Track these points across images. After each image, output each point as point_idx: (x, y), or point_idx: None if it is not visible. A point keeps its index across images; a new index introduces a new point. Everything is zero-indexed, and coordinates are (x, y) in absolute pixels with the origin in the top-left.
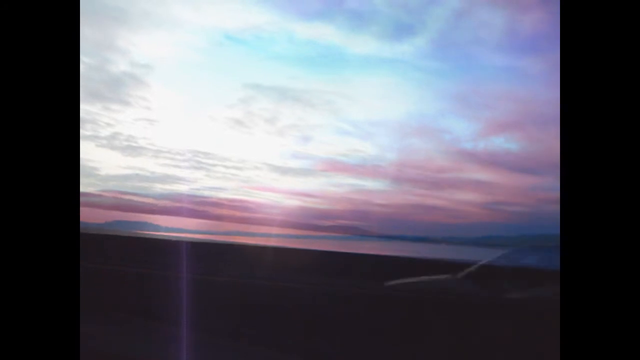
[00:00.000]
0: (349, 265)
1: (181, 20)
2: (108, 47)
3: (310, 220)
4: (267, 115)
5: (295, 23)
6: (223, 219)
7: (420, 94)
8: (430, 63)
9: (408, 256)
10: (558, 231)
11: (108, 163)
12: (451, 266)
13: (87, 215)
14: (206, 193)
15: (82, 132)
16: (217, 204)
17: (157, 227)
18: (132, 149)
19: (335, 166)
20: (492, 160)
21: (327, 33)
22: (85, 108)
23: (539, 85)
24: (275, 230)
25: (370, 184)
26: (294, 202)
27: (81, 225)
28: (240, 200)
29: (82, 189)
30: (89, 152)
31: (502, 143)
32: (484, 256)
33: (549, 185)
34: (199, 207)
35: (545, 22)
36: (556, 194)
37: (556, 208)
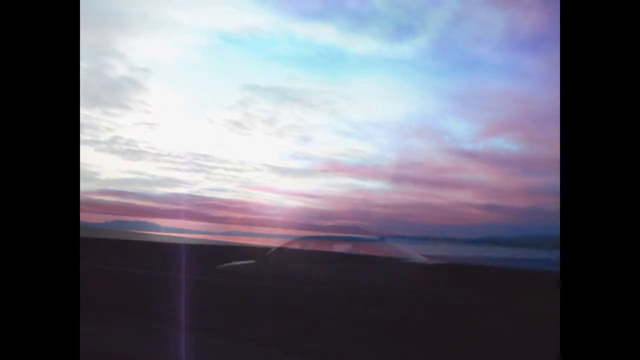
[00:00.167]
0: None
1: (179, 22)
2: (107, 51)
3: (310, 221)
4: (266, 117)
5: (294, 23)
6: (223, 220)
7: (420, 94)
8: (430, 63)
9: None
10: (558, 231)
11: (108, 167)
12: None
13: (87, 216)
14: (206, 194)
15: (81, 136)
16: (218, 205)
17: (157, 228)
18: (132, 152)
19: (335, 166)
20: (492, 160)
21: (326, 33)
22: (85, 113)
23: (539, 85)
24: (275, 230)
25: (370, 184)
26: (293, 203)
27: (81, 225)
28: (241, 202)
29: (82, 192)
30: (89, 157)
31: (502, 144)
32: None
33: (549, 185)
34: (199, 209)
35: (545, 22)
36: (556, 194)
37: (556, 208)
